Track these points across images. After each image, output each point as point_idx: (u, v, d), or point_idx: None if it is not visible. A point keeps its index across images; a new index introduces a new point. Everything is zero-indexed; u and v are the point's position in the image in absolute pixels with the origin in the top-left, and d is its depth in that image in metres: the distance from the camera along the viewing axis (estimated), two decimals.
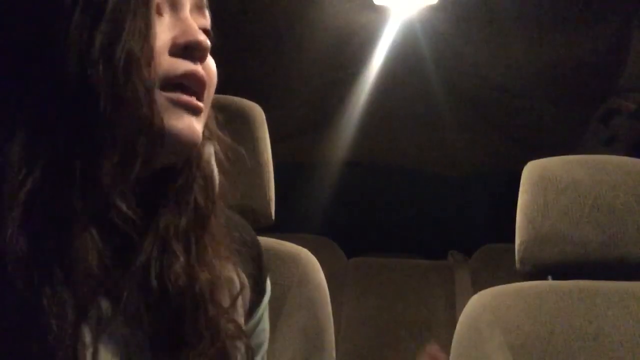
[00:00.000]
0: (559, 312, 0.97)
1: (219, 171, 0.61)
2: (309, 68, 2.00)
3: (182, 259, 0.54)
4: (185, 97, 0.52)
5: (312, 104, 2.22)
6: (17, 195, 0.44)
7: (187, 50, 0.52)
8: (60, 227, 0.45)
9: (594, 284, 1.02)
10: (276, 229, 1.08)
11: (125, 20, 0.47)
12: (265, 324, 0.71)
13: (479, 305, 1.01)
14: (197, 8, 0.57)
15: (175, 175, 0.55)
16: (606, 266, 1.02)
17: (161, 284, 0.52)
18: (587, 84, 1.88)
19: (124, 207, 0.48)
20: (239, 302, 0.62)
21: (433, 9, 1.69)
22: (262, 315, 0.69)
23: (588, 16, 1.62)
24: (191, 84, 0.52)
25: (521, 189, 1.09)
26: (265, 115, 1.10)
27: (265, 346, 0.72)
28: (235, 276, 0.62)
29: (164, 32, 0.51)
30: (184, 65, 0.52)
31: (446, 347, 1.09)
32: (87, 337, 0.47)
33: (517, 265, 1.06)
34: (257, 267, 0.68)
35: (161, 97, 0.50)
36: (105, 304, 0.49)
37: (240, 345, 0.59)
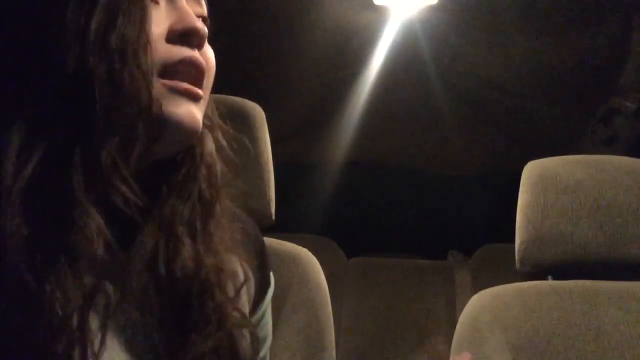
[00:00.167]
0: (559, 312, 0.97)
1: (223, 163, 0.61)
2: (309, 68, 2.00)
3: (188, 244, 0.54)
4: (184, 84, 0.52)
5: (312, 104, 2.22)
6: (16, 180, 0.44)
7: (184, 36, 0.52)
8: (62, 212, 0.45)
9: (594, 283, 1.02)
10: (276, 229, 1.08)
11: (120, 8, 0.48)
12: (269, 318, 0.71)
13: (479, 305, 1.01)
14: None
15: (178, 166, 0.56)
16: (606, 266, 1.02)
17: (168, 269, 0.53)
18: (587, 84, 1.88)
19: (125, 190, 0.47)
20: (244, 293, 0.62)
21: (433, 9, 1.69)
22: (266, 309, 0.70)
23: (588, 16, 1.62)
24: (189, 70, 0.53)
25: (521, 189, 1.09)
26: (265, 115, 1.10)
27: (269, 340, 0.72)
28: (239, 268, 0.62)
29: (160, 19, 0.52)
30: (182, 52, 0.52)
31: (446, 347, 1.09)
32: (94, 322, 0.47)
33: (517, 265, 1.06)
34: (261, 261, 0.68)
35: (159, 84, 0.50)
36: (111, 289, 0.49)
37: (246, 333, 0.59)
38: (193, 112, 0.53)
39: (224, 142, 0.61)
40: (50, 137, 0.45)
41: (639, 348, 0.93)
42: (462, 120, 2.25)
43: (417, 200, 2.60)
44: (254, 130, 1.06)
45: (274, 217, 1.07)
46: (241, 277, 0.62)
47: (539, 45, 1.76)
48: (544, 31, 1.70)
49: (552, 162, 1.10)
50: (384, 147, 2.50)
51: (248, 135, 1.05)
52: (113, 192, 0.47)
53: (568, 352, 0.94)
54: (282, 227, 1.24)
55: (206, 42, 0.56)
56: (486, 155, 2.45)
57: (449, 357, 1.01)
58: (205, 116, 0.58)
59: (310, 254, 1.05)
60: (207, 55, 0.56)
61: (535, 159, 1.12)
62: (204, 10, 0.59)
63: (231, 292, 0.58)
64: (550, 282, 1.04)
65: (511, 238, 1.08)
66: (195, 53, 0.53)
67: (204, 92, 0.55)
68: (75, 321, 0.45)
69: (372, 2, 1.68)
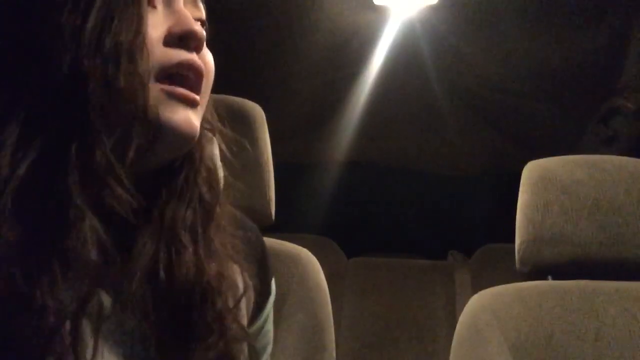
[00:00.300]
0: (559, 312, 0.97)
1: (223, 166, 0.61)
2: (309, 68, 2.00)
3: (190, 249, 0.53)
4: (181, 90, 0.51)
5: (312, 104, 2.22)
6: (9, 182, 0.43)
7: (182, 40, 0.52)
8: (56, 214, 0.44)
9: (594, 283, 1.01)
10: (276, 229, 1.08)
11: (115, 11, 0.47)
12: (270, 326, 0.71)
13: (479, 305, 1.01)
14: (192, 0, 0.57)
15: (178, 170, 0.55)
16: (606, 266, 1.02)
17: (169, 274, 0.52)
18: (587, 84, 1.88)
19: (120, 191, 0.47)
20: (243, 304, 0.61)
21: (433, 9, 1.70)
22: (267, 316, 0.69)
23: (588, 16, 1.62)
24: (188, 74, 0.52)
25: (521, 189, 1.09)
26: (265, 115, 1.10)
27: (270, 348, 0.71)
28: (239, 277, 0.61)
29: (157, 23, 0.51)
30: (180, 55, 0.51)
31: (446, 347, 1.09)
32: (88, 330, 0.46)
33: (517, 265, 1.06)
34: (262, 268, 0.67)
35: (157, 88, 0.50)
36: (106, 297, 0.49)
37: (244, 346, 0.58)
38: (190, 119, 0.52)
39: (223, 146, 0.61)
40: (45, 137, 0.45)
41: (639, 348, 0.93)
42: (462, 120, 2.26)
43: (417, 200, 2.60)
44: (254, 130, 1.06)
45: (274, 217, 1.07)
46: (241, 287, 0.61)
47: (539, 45, 1.76)
48: (544, 31, 1.70)
49: (552, 162, 1.10)
50: (384, 147, 2.50)
51: (248, 135, 1.05)
52: (108, 193, 0.46)
53: (568, 352, 0.94)
54: (282, 227, 1.24)
55: (205, 45, 0.55)
56: (486, 155, 2.45)
57: (449, 357, 1.01)
58: (205, 120, 0.58)
59: (310, 254, 1.04)
60: (206, 59, 0.56)
61: (535, 159, 1.12)
62: (202, 13, 0.58)
63: (231, 302, 0.57)
64: (550, 282, 1.04)
65: (511, 238, 1.08)
66: (193, 56, 0.52)
67: (202, 96, 0.54)
68: (67, 328, 0.44)
69: (372, 2, 1.68)
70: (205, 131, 0.59)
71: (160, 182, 0.54)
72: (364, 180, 2.60)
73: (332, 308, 1.03)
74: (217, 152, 0.62)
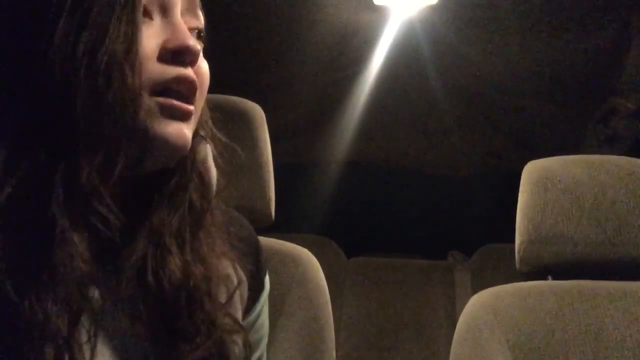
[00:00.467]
0: (559, 312, 0.97)
1: (217, 170, 0.61)
2: (309, 68, 2.00)
3: (176, 254, 0.54)
4: (175, 102, 0.51)
5: (312, 104, 2.22)
6: None
7: (176, 55, 0.51)
8: (42, 233, 0.45)
9: (594, 283, 1.01)
10: (276, 229, 1.08)
11: (109, 25, 0.47)
12: (264, 319, 0.71)
13: (479, 305, 1.01)
14: (189, 9, 0.56)
15: (169, 175, 0.55)
16: (606, 266, 1.02)
17: (157, 279, 0.53)
18: (587, 84, 1.88)
19: (104, 211, 0.48)
20: (237, 297, 0.62)
21: (433, 9, 1.70)
22: (261, 310, 0.70)
23: (588, 17, 1.62)
24: (181, 88, 0.52)
25: (521, 189, 1.09)
26: (265, 115, 1.10)
27: (265, 341, 0.72)
28: (232, 272, 0.62)
29: (152, 36, 0.51)
30: (173, 71, 0.51)
31: (446, 347, 1.09)
32: (83, 336, 0.47)
33: (517, 265, 1.06)
34: (255, 263, 0.68)
35: (150, 101, 0.50)
36: (99, 301, 0.49)
37: (238, 339, 0.59)
38: (182, 131, 0.52)
39: (214, 150, 0.61)
40: (33, 154, 0.45)
41: (638, 348, 0.93)
42: (462, 120, 2.26)
43: (417, 200, 2.60)
44: (254, 130, 1.06)
45: (274, 217, 1.07)
46: (234, 280, 0.62)
47: (539, 45, 1.76)
48: (543, 31, 1.70)
49: (552, 162, 1.10)
50: (384, 147, 2.50)
51: (248, 135, 1.05)
52: (91, 213, 0.47)
53: (568, 352, 0.94)
54: (282, 227, 1.24)
55: (201, 54, 0.55)
56: (486, 155, 2.45)
57: (449, 358, 1.01)
58: (200, 125, 0.58)
59: (310, 254, 1.04)
60: (201, 70, 0.55)
61: (535, 159, 1.12)
62: (201, 22, 0.58)
63: (223, 297, 0.59)
64: (550, 282, 1.04)
65: (511, 238, 1.08)
66: (187, 71, 0.52)
67: (196, 105, 0.55)
68: (61, 336, 0.45)
69: (372, 2, 1.68)
70: (199, 137, 0.59)
71: (151, 188, 0.55)
72: (364, 180, 2.60)
73: (332, 308, 1.03)
74: (211, 154, 0.62)
